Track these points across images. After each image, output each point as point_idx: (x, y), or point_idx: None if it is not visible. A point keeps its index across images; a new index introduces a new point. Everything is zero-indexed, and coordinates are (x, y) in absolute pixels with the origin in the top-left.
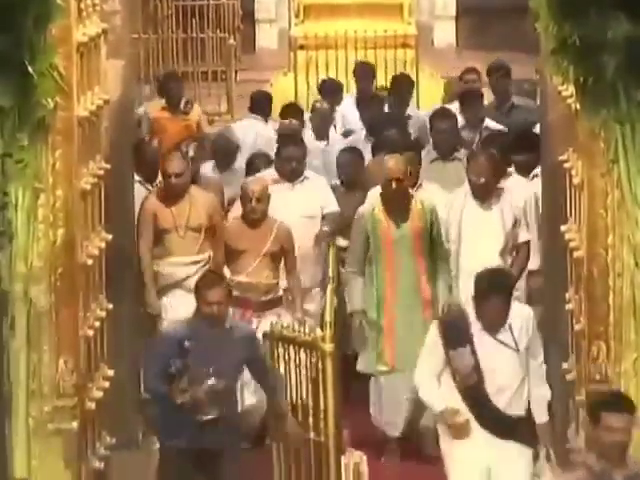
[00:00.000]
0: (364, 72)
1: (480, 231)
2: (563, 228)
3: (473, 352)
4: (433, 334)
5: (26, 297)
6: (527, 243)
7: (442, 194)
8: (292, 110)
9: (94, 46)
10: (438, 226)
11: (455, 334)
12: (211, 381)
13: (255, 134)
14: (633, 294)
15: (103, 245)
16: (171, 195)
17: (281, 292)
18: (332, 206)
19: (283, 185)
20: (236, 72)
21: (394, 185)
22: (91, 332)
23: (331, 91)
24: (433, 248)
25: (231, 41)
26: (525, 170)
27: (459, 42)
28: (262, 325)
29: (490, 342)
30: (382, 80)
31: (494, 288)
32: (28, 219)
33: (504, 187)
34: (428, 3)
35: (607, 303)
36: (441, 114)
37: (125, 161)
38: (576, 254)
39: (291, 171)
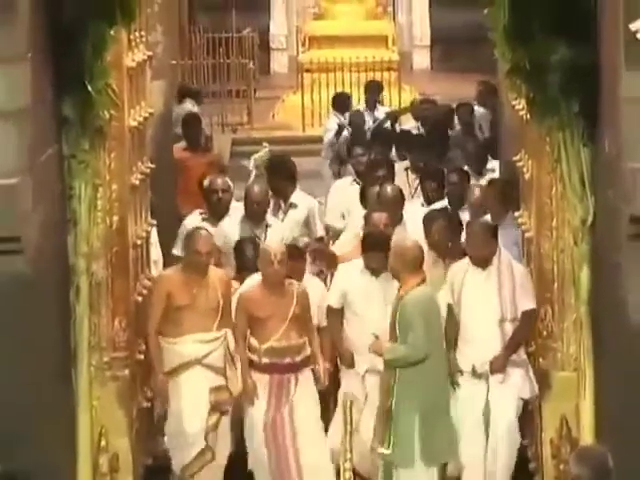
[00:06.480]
0: (373, 87)
1: (479, 299)
2: (517, 214)
3: None
4: None
5: (88, 271)
6: (531, 312)
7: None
8: None
9: (141, 70)
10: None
11: None
12: None
13: None
14: (572, 267)
15: (149, 229)
16: (193, 273)
17: (309, 350)
18: None
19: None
20: (255, 90)
21: None
22: (140, 298)
23: (342, 103)
24: None
25: (250, 65)
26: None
27: (433, 66)
28: (299, 388)
29: None
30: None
31: None
32: (89, 208)
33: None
34: (408, 35)
35: (552, 274)
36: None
37: (165, 161)
38: (527, 235)
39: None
